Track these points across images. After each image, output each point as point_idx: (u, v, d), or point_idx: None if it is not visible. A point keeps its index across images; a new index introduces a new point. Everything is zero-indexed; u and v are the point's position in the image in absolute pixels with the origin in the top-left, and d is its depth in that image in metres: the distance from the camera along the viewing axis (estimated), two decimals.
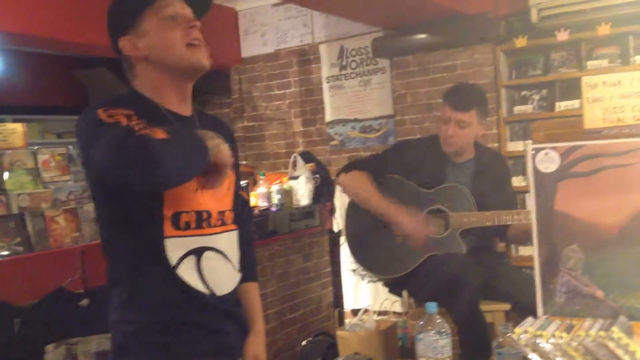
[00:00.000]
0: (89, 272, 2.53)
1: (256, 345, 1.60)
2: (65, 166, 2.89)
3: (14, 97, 5.76)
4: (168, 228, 1.39)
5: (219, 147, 1.34)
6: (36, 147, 2.85)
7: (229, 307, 1.51)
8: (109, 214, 1.44)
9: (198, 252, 1.43)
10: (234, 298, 1.54)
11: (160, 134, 1.26)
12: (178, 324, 1.42)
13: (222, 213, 1.49)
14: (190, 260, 1.42)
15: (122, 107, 1.35)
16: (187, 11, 1.47)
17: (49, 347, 2.27)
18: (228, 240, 1.50)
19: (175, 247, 1.40)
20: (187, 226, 1.41)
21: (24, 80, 5.82)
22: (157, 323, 1.42)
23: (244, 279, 1.60)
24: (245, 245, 1.63)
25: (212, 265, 1.45)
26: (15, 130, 2.78)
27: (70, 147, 3.03)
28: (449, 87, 2.77)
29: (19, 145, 2.77)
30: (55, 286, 2.37)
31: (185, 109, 1.50)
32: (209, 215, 1.45)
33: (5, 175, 2.66)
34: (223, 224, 1.49)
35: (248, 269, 1.63)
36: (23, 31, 3.88)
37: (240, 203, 1.63)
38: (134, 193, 1.34)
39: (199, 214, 1.43)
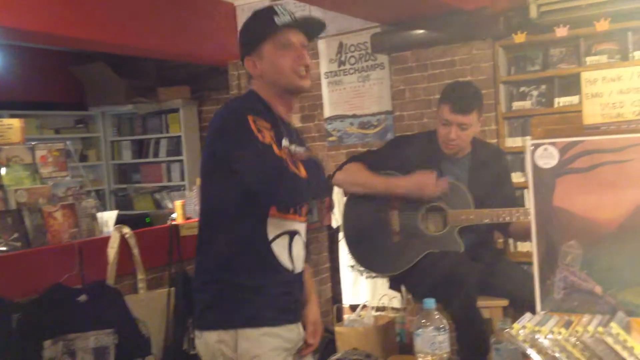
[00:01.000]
0: (87, 268, 2.53)
1: (315, 312, 1.95)
2: (63, 162, 2.88)
3: (11, 92, 5.75)
4: (273, 209, 1.74)
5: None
6: (33, 143, 2.84)
7: (300, 282, 1.86)
8: (225, 200, 1.74)
9: (291, 234, 1.79)
10: (302, 275, 1.89)
11: (302, 170, 1.66)
12: (265, 288, 1.74)
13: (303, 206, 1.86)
14: (284, 239, 1.77)
15: (262, 117, 1.69)
16: (299, 38, 1.79)
17: (47, 343, 2.27)
18: (305, 229, 1.87)
19: (274, 226, 1.75)
20: (287, 211, 1.78)
21: (21, 75, 5.81)
22: (248, 285, 1.73)
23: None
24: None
25: (297, 247, 1.82)
26: (13, 125, 2.77)
27: (68, 142, 3.03)
28: (446, 87, 2.71)
29: (16, 141, 2.76)
30: (53, 282, 2.37)
31: (287, 117, 1.87)
32: (302, 205, 1.83)
33: (3, 170, 2.65)
34: (303, 215, 1.86)
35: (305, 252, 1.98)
36: (20, 26, 3.86)
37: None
38: None
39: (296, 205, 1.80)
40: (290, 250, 1.79)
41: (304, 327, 1.89)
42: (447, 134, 2.57)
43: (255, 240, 1.74)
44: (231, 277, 1.74)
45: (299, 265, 1.83)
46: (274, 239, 1.75)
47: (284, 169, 1.62)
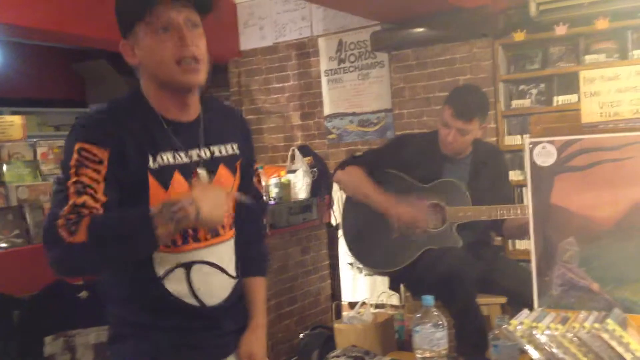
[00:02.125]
0: None
1: (252, 341, 1.59)
2: None
3: (13, 89, 5.76)
4: None
5: (198, 204, 1.26)
6: (35, 140, 2.85)
7: (220, 314, 1.50)
8: None
9: (186, 266, 1.43)
10: (231, 302, 1.53)
11: (80, 234, 1.24)
12: (163, 328, 1.44)
13: None
14: (179, 273, 1.43)
15: (101, 142, 1.33)
16: (183, 16, 1.37)
17: (48, 339, 2.28)
18: (221, 250, 1.50)
19: (163, 261, 1.41)
20: (174, 244, 1.41)
21: (22, 72, 5.81)
22: (144, 325, 1.44)
23: (249, 273, 1.63)
24: (254, 241, 1.66)
25: (202, 277, 1.46)
26: (14, 122, 2.78)
27: None
28: (454, 89, 2.74)
29: (17, 138, 2.77)
30: (54, 278, 2.38)
31: (187, 115, 1.46)
32: (195, 230, 1.43)
33: (4, 167, 2.66)
34: (216, 234, 1.48)
35: (256, 264, 1.66)
36: (21, 23, 3.87)
37: (252, 195, 1.61)
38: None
39: (183, 231, 1.40)
40: (190, 284, 1.43)
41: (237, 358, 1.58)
42: (446, 136, 2.60)
43: (145, 280, 1.41)
44: (130, 317, 1.45)
45: (212, 297, 1.47)
46: (165, 275, 1.41)
47: (51, 231, 1.26)
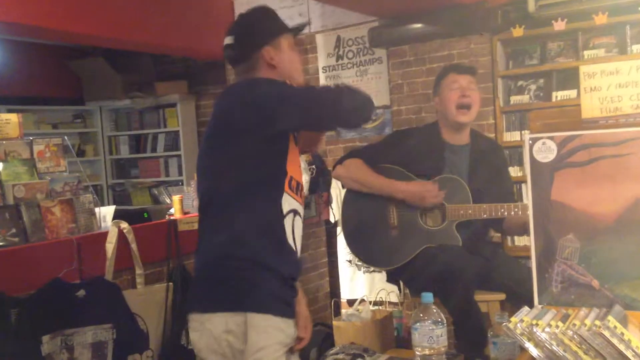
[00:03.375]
0: (85, 263, 2.52)
1: (304, 306, 1.91)
2: (61, 157, 2.87)
3: (9, 87, 5.73)
4: (286, 185, 1.77)
5: None
6: (31, 138, 2.83)
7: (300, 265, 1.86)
8: (247, 172, 1.75)
9: (295, 213, 1.81)
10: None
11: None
12: (278, 269, 1.73)
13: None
14: (290, 218, 1.78)
15: None
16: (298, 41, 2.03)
17: (45, 338, 2.26)
18: (302, 212, 1.87)
19: (286, 202, 1.77)
20: (294, 190, 1.81)
21: (18, 70, 5.79)
22: (263, 263, 1.71)
23: None
24: None
25: (298, 229, 1.83)
26: (10, 120, 2.76)
27: (66, 137, 3.02)
28: (442, 68, 2.82)
29: (14, 136, 2.75)
30: (52, 277, 2.36)
31: None
32: (301, 187, 1.85)
33: (0, 165, 2.64)
34: (302, 196, 1.86)
35: None
36: (17, 20, 3.84)
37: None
38: (282, 152, 1.77)
39: (298, 184, 1.83)
40: (293, 230, 1.79)
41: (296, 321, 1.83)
42: (461, 91, 2.61)
43: (272, 216, 1.75)
44: (247, 253, 1.70)
45: (299, 247, 1.84)
46: (285, 215, 1.76)
47: (342, 90, 1.78)
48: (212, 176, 1.82)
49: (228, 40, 1.89)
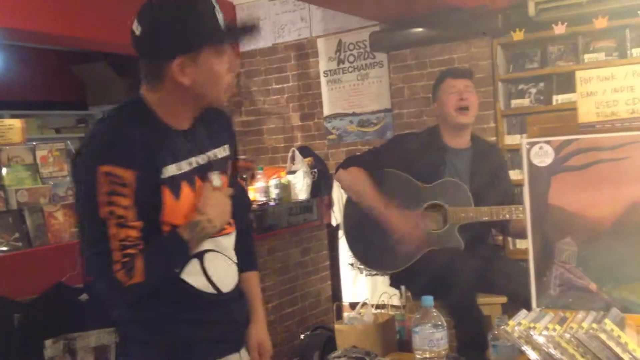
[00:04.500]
0: None
1: (259, 332, 1.68)
2: (64, 161, 2.89)
3: (12, 92, 5.76)
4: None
5: (214, 222, 1.46)
6: (34, 143, 2.85)
7: (234, 302, 1.57)
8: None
9: (199, 256, 1.49)
10: (239, 291, 1.60)
11: (138, 275, 1.36)
12: (182, 321, 1.48)
13: None
14: (193, 264, 1.48)
15: (125, 163, 1.35)
16: (231, 47, 1.49)
17: (48, 342, 2.27)
18: (224, 242, 1.55)
19: None
20: None
21: (21, 75, 5.82)
22: (162, 320, 1.47)
23: (244, 268, 1.66)
24: (244, 234, 1.69)
25: (215, 265, 1.52)
26: (13, 125, 2.78)
27: (69, 142, 3.04)
28: (439, 74, 2.83)
29: (17, 141, 2.77)
30: (55, 281, 2.38)
31: (187, 124, 1.51)
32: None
33: (4, 170, 2.67)
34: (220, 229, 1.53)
35: (247, 258, 1.69)
36: (21, 26, 3.87)
37: (239, 192, 1.66)
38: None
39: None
40: (205, 273, 1.49)
41: (248, 350, 1.64)
42: (459, 94, 2.65)
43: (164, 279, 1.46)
44: (145, 315, 1.48)
45: (226, 284, 1.53)
46: (181, 270, 1.47)
47: (106, 270, 1.36)
48: None
49: (135, 28, 1.42)
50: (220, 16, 1.45)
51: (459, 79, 2.69)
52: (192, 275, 1.47)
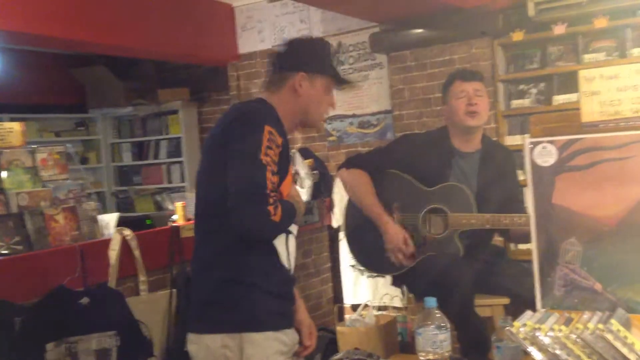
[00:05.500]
0: (89, 271, 2.53)
1: (307, 314, 1.95)
2: (64, 164, 2.88)
3: (12, 95, 5.76)
4: None
5: (301, 204, 1.89)
6: (34, 146, 2.84)
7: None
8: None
9: (287, 233, 1.81)
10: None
11: (278, 212, 1.69)
12: (269, 288, 1.75)
13: None
14: (281, 237, 1.79)
15: (278, 131, 1.76)
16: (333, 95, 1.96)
17: (50, 346, 2.27)
18: (296, 230, 1.89)
19: None
20: None
21: (21, 78, 5.81)
22: (252, 284, 1.73)
23: None
24: None
25: (292, 247, 1.85)
26: (13, 129, 2.78)
27: (68, 145, 3.03)
28: (449, 75, 2.77)
29: (17, 144, 2.76)
30: (55, 285, 2.37)
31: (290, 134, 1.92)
32: None
33: (4, 174, 2.66)
34: None
35: None
36: (20, 29, 3.87)
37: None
38: None
39: None
40: (287, 249, 1.81)
41: (298, 331, 1.87)
42: (469, 99, 2.58)
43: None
44: (236, 275, 1.73)
45: (293, 265, 1.86)
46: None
47: (262, 201, 1.66)
48: (204, 188, 1.84)
49: (280, 47, 1.93)
50: (340, 71, 1.99)
51: (468, 82, 2.62)
52: (279, 244, 1.78)
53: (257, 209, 1.65)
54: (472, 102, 2.57)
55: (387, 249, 2.57)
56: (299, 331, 1.88)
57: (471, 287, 2.45)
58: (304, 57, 1.87)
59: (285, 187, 1.80)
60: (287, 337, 1.78)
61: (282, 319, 1.78)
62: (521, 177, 3.92)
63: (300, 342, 1.87)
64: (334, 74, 1.90)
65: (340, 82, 1.93)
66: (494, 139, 4.12)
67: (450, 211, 2.56)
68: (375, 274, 4.32)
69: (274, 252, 1.78)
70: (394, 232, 2.54)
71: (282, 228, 1.76)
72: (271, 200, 1.66)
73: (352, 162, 2.72)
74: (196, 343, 1.76)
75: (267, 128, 1.71)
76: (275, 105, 1.84)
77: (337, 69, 1.93)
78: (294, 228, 1.85)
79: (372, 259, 2.76)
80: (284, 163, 1.77)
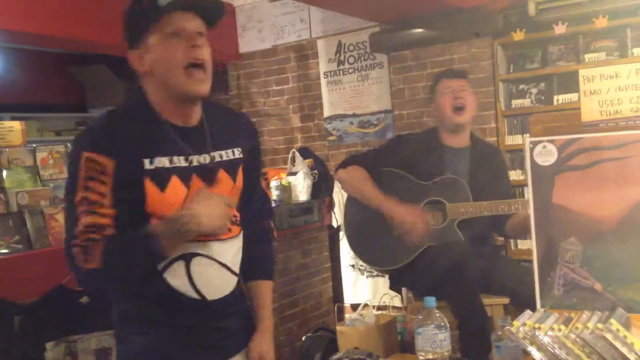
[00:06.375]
0: None
1: (262, 343, 1.63)
2: (64, 163, 2.88)
3: (12, 95, 5.75)
4: None
5: (199, 219, 1.39)
6: (34, 145, 2.84)
7: (222, 310, 1.54)
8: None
9: (186, 258, 1.46)
10: (233, 299, 1.56)
11: (95, 260, 1.36)
12: (161, 322, 1.48)
13: None
14: (178, 266, 1.46)
15: (106, 150, 1.38)
16: (193, 25, 1.44)
17: (49, 345, 2.27)
18: (223, 247, 1.52)
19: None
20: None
21: (21, 78, 5.81)
22: (141, 317, 1.48)
23: (254, 276, 1.66)
24: (255, 242, 1.66)
25: (202, 271, 1.48)
26: (14, 128, 2.78)
27: (69, 144, 3.03)
28: (435, 73, 2.86)
29: (17, 143, 2.77)
30: (55, 284, 2.37)
31: (191, 121, 1.51)
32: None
33: (4, 173, 2.66)
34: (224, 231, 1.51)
35: (256, 266, 1.67)
36: (20, 29, 3.87)
37: (259, 199, 1.68)
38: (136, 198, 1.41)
39: None
40: (190, 277, 1.46)
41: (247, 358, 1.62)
42: (454, 94, 2.65)
43: (147, 274, 1.45)
44: (133, 313, 1.50)
45: (212, 291, 1.50)
46: (164, 269, 1.45)
47: (69, 258, 1.38)
48: None
49: None
50: None
51: (453, 79, 2.72)
52: (175, 277, 1.46)
53: (67, 258, 1.39)
54: (458, 95, 2.65)
55: (401, 231, 2.59)
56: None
57: (477, 275, 2.46)
58: (124, 34, 1.49)
59: (168, 200, 1.42)
60: None
61: (199, 352, 1.51)
62: (521, 177, 3.95)
63: None
64: (154, 17, 1.41)
65: (167, 5, 1.40)
66: (494, 138, 4.14)
67: (448, 202, 2.60)
68: (375, 273, 4.32)
69: (162, 285, 1.45)
70: (402, 210, 2.58)
71: (113, 268, 1.38)
72: (77, 251, 1.36)
73: (348, 161, 2.77)
74: None
75: (84, 155, 1.37)
76: (149, 94, 1.49)
77: (155, 1, 1.41)
78: (211, 248, 1.49)
79: (372, 254, 2.78)
80: (132, 181, 1.40)
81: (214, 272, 1.50)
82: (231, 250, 1.55)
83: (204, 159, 1.49)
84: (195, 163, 1.47)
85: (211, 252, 1.49)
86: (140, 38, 1.44)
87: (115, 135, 1.41)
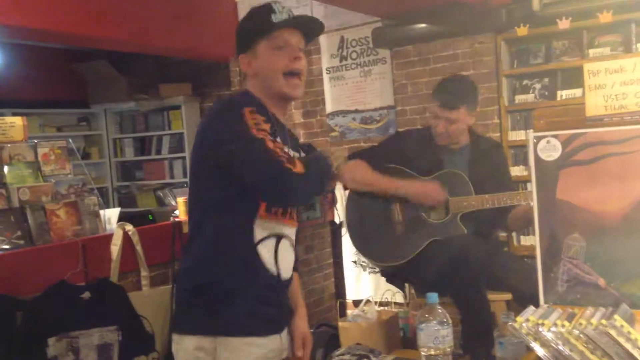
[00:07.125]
0: (90, 265, 2.53)
1: (303, 326, 1.85)
2: (65, 159, 2.88)
3: (14, 90, 5.76)
4: (262, 210, 1.66)
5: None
6: (36, 141, 2.84)
7: (284, 290, 1.78)
8: (211, 195, 1.67)
9: (278, 238, 1.70)
10: (289, 283, 1.81)
11: (298, 166, 1.55)
12: (248, 293, 1.66)
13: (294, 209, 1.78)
14: (270, 242, 1.69)
15: (258, 112, 1.63)
16: (296, 40, 1.73)
17: (51, 340, 2.27)
18: (294, 234, 1.79)
19: (261, 227, 1.67)
20: (277, 214, 1.69)
21: (23, 73, 5.81)
22: (230, 289, 1.65)
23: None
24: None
25: (284, 252, 1.73)
26: (15, 123, 2.77)
27: (70, 140, 3.03)
28: (438, 82, 2.78)
29: (18, 139, 2.76)
30: (57, 279, 2.37)
31: (282, 118, 1.79)
32: (290, 211, 1.74)
33: (6, 169, 2.65)
34: (294, 219, 1.78)
35: (295, 259, 1.89)
36: (22, 24, 3.86)
37: None
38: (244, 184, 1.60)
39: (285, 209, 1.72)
40: (276, 255, 1.70)
41: (292, 339, 1.80)
42: (436, 127, 2.65)
43: (240, 241, 1.65)
44: (213, 279, 1.66)
45: (285, 271, 1.74)
46: (260, 241, 1.66)
47: (277, 164, 1.53)
48: (189, 196, 1.78)
49: None
50: (279, 14, 1.70)
51: (444, 109, 2.62)
52: (266, 251, 1.67)
53: (274, 173, 1.53)
54: (439, 132, 2.63)
55: (423, 202, 2.62)
56: (294, 338, 1.81)
57: (481, 269, 2.45)
58: (237, 41, 1.78)
59: None
60: (272, 343, 1.70)
61: (263, 325, 1.69)
62: (525, 172, 3.94)
63: (293, 352, 1.80)
64: (266, 29, 1.69)
65: (279, 23, 1.69)
66: (497, 134, 4.12)
67: (450, 196, 2.59)
68: (378, 270, 4.32)
69: (256, 257, 1.66)
70: (417, 184, 2.60)
71: (312, 181, 1.61)
72: (283, 159, 1.54)
73: (348, 157, 2.75)
74: (177, 343, 1.74)
75: (245, 109, 1.60)
76: (255, 93, 1.75)
77: (269, 17, 1.70)
78: (290, 232, 1.75)
79: (376, 250, 2.77)
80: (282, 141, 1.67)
81: (290, 255, 1.76)
82: (294, 238, 1.79)
83: (292, 153, 1.76)
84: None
85: (291, 236, 1.76)
86: (250, 45, 1.73)
87: (262, 105, 1.70)
